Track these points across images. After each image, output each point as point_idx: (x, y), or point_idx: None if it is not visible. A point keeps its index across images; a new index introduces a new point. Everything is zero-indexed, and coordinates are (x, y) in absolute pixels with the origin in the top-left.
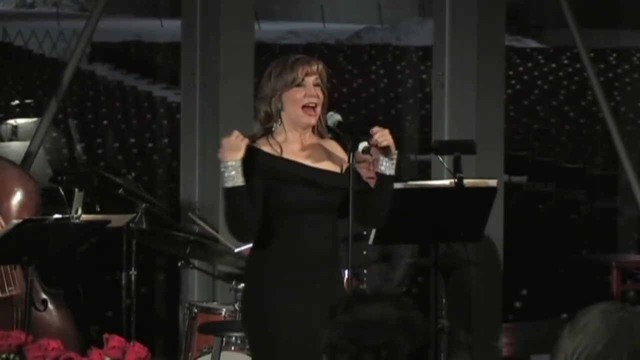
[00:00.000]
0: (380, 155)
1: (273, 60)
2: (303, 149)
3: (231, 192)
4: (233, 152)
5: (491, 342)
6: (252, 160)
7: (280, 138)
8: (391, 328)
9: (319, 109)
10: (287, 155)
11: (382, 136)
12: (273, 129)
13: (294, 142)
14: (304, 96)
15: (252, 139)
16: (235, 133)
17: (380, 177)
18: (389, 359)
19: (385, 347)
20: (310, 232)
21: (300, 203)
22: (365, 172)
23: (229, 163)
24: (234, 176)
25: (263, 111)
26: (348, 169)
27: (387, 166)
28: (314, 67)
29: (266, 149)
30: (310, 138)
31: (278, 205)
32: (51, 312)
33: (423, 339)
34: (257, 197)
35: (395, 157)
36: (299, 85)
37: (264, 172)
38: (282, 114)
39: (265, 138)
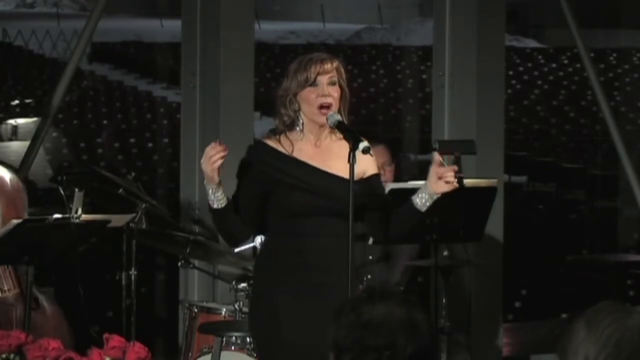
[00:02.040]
0: (428, 190)
1: (273, 60)
2: (316, 150)
3: (214, 212)
4: (207, 178)
5: (491, 342)
6: (260, 157)
7: (295, 137)
8: (394, 328)
9: (334, 108)
10: (297, 154)
11: (448, 176)
12: (295, 129)
13: (308, 143)
14: (317, 96)
15: (269, 135)
16: (205, 155)
17: (412, 208)
18: (391, 359)
19: (388, 348)
20: (313, 236)
21: (302, 208)
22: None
23: (208, 188)
24: (216, 198)
25: (281, 111)
26: (367, 179)
27: (424, 201)
28: (327, 66)
29: (278, 147)
30: (328, 139)
31: (280, 209)
32: (43, 310)
33: (426, 340)
34: (254, 201)
35: (436, 197)
36: (312, 85)
37: (269, 171)
38: (301, 114)
39: (279, 136)
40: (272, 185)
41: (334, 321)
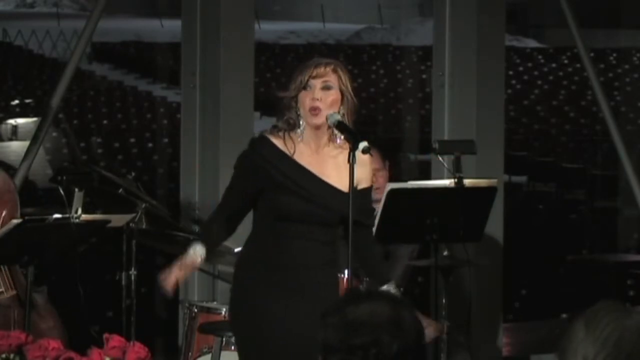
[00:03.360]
0: None
1: (273, 60)
2: (315, 157)
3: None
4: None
5: (491, 342)
6: (263, 154)
7: (297, 138)
8: (378, 326)
9: (324, 113)
10: (297, 157)
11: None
12: (297, 131)
13: (308, 148)
14: (309, 99)
15: (272, 131)
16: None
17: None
18: (378, 356)
19: (373, 346)
20: (301, 239)
21: (295, 213)
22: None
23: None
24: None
25: (285, 113)
26: (360, 190)
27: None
28: (320, 70)
29: (281, 146)
30: (326, 147)
31: (272, 210)
32: (37, 309)
33: (413, 337)
34: (248, 197)
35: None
36: (305, 88)
37: (271, 170)
38: (301, 117)
39: (284, 134)
40: (271, 185)
41: (321, 323)
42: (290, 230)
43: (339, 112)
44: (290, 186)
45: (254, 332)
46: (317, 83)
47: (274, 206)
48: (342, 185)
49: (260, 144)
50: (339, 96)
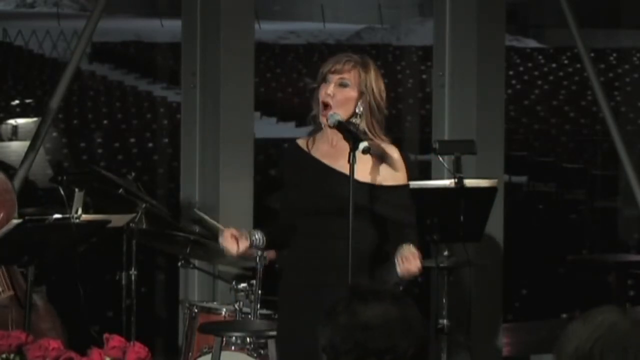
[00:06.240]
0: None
1: (273, 60)
2: (331, 149)
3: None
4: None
5: (491, 342)
6: (290, 159)
7: (319, 135)
8: (393, 331)
9: (336, 110)
10: (314, 152)
11: (408, 270)
12: (322, 125)
13: (326, 142)
14: (322, 93)
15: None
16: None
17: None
18: None
19: (389, 352)
20: (314, 236)
21: (306, 207)
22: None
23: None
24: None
25: (313, 108)
26: (388, 187)
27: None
28: (339, 66)
29: (303, 145)
30: (342, 141)
31: (292, 208)
32: (37, 309)
33: (423, 339)
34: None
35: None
36: (325, 80)
37: (292, 170)
38: None
39: (313, 134)
40: (290, 184)
41: (328, 322)
42: (304, 226)
43: (355, 111)
44: (300, 180)
45: (280, 333)
46: (334, 78)
47: (291, 204)
48: (359, 175)
49: (288, 149)
50: (356, 95)
